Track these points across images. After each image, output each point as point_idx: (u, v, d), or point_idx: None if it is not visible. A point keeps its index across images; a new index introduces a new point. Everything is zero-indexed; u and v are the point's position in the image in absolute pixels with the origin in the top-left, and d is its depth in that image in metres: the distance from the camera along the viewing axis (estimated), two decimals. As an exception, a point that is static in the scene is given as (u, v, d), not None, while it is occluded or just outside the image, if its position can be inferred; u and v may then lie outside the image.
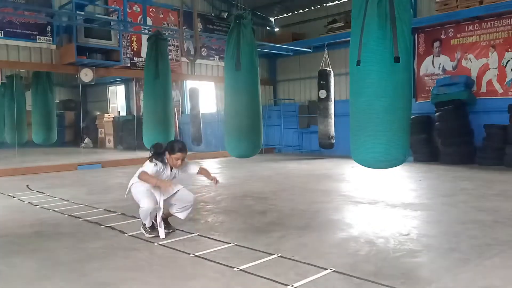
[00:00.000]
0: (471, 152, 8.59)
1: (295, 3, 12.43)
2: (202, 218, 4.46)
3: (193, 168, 3.93)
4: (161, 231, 3.65)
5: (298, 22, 13.00)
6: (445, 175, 7.22)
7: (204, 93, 13.02)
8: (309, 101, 12.40)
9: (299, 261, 2.99)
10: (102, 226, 4.13)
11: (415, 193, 5.65)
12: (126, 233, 3.84)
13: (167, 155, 3.68)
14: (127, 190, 3.81)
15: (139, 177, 3.56)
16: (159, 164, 3.67)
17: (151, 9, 10.62)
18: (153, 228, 3.69)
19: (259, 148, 5.64)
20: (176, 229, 3.86)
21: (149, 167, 3.64)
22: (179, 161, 3.68)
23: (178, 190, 3.75)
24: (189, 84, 13.11)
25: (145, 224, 3.69)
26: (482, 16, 8.77)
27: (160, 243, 3.51)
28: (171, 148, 3.67)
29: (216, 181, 3.88)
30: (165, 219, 3.83)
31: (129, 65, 10.35)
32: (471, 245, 3.32)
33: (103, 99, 16.44)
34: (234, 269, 2.86)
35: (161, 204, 3.68)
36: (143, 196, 3.62)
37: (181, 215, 3.81)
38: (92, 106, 16.56)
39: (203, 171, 3.97)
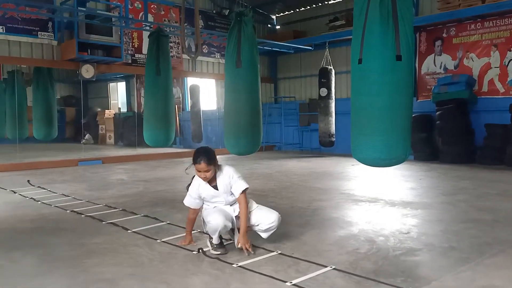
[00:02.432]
0: (471, 151, 8.58)
1: (296, 0, 12.41)
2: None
3: (236, 190, 3.14)
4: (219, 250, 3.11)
5: (300, 19, 12.98)
6: (445, 174, 7.22)
7: (205, 90, 13.02)
8: (309, 99, 12.40)
9: (299, 259, 2.99)
10: (102, 222, 4.13)
11: (416, 192, 5.65)
12: (126, 229, 3.84)
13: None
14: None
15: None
16: (198, 182, 3.18)
17: (152, 6, 10.60)
18: (221, 245, 3.16)
19: (259, 145, 5.64)
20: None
21: (190, 189, 3.22)
22: (202, 175, 3.07)
23: (254, 209, 3.23)
24: (190, 81, 13.11)
25: (212, 239, 3.15)
26: (484, 15, 8.75)
27: (161, 240, 3.51)
28: (193, 156, 3.08)
29: (248, 250, 3.04)
30: None
31: (130, 61, 10.34)
32: (471, 244, 3.32)
33: (104, 95, 16.45)
34: (234, 265, 2.87)
35: (234, 219, 3.21)
36: (212, 212, 3.12)
37: (264, 235, 3.26)
38: (93, 102, 16.58)
39: (240, 205, 3.13)
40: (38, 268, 2.93)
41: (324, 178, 7.03)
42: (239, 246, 3.07)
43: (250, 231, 3.25)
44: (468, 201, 4.99)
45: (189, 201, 3.28)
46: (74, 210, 4.69)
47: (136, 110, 14.29)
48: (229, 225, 3.13)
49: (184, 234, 3.43)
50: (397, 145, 3.52)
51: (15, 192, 5.88)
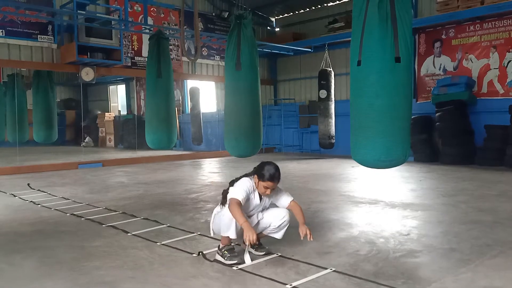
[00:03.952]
0: (471, 152, 8.58)
1: (295, 3, 12.43)
2: (203, 217, 4.47)
3: (285, 201, 3.20)
4: (247, 257, 2.98)
5: (299, 22, 13.00)
6: (445, 175, 7.22)
7: (205, 92, 13.03)
8: (309, 101, 12.41)
9: (299, 261, 2.99)
10: (102, 225, 4.13)
11: (416, 193, 5.65)
12: (126, 232, 3.84)
13: (255, 178, 3.08)
14: (211, 225, 3.20)
15: (229, 206, 2.93)
16: (252, 186, 3.09)
17: (152, 9, 10.63)
18: (233, 252, 3.03)
19: (259, 147, 5.65)
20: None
21: (244, 186, 3.04)
22: (268, 191, 3.04)
23: (267, 209, 3.21)
24: (190, 83, 13.13)
25: (223, 247, 3.04)
26: (483, 16, 8.77)
27: (161, 242, 3.51)
28: (260, 172, 3.03)
29: (310, 236, 3.01)
30: (259, 243, 3.25)
31: (130, 64, 10.36)
32: (471, 245, 3.32)
33: (104, 98, 16.46)
34: (234, 268, 2.86)
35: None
36: (231, 222, 2.97)
37: (278, 235, 3.20)
38: (93, 105, 16.58)
39: (295, 208, 3.19)
40: (38, 271, 2.93)
41: (324, 180, 7.03)
42: (302, 235, 3.03)
43: (263, 237, 3.22)
44: (468, 202, 4.99)
45: (243, 195, 3.00)
46: (74, 213, 4.68)
47: (136, 113, 14.29)
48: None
49: (185, 235, 3.41)
50: (397, 147, 3.52)
51: (15, 196, 5.88)
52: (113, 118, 15.08)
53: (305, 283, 2.59)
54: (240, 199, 2.95)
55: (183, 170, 9.08)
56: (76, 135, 14.86)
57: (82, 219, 4.43)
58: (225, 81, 5.69)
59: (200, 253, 3.15)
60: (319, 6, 12.35)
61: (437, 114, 8.94)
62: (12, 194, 6.00)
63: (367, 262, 2.97)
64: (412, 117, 3.91)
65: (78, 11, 8.88)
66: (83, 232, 3.93)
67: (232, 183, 3.12)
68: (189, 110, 12.69)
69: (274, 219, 3.14)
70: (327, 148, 10.24)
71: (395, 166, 3.70)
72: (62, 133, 13.19)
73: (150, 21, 10.43)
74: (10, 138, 10.60)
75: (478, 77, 9.09)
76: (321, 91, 9.96)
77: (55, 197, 5.71)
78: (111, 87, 16.17)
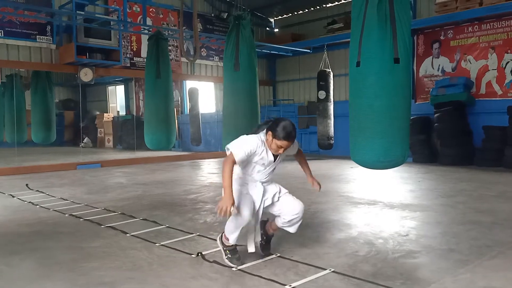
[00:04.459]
0: (470, 153, 8.60)
1: (294, 3, 12.44)
2: (201, 218, 4.46)
3: (293, 149, 3.03)
4: (251, 246, 2.86)
5: (298, 22, 13.02)
6: (444, 176, 7.23)
7: (204, 93, 13.03)
8: (308, 101, 12.41)
9: (298, 261, 2.99)
10: (101, 226, 4.12)
11: (414, 194, 5.66)
12: (125, 233, 3.83)
13: (268, 135, 2.83)
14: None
15: (224, 161, 2.74)
16: (262, 142, 2.85)
17: (151, 9, 10.62)
18: (235, 253, 2.91)
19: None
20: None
21: (249, 144, 2.80)
22: (281, 150, 2.84)
23: (280, 197, 3.00)
24: (189, 84, 13.12)
25: (227, 242, 2.89)
26: (482, 17, 8.79)
27: (160, 243, 3.51)
28: (275, 129, 2.78)
29: (318, 186, 3.05)
30: (268, 240, 3.11)
31: (128, 65, 10.36)
32: (470, 246, 3.32)
33: (102, 98, 16.43)
34: (233, 269, 2.86)
35: (260, 214, 2.94)
36: (243, 199, 2.81)
37: (291, 229, 3.03)
38: (91, 105, 16.55)
39: (300, 157, 3.11)
40: (36, 272, 2.92)
41: (323, 181, 6.97)
42: (313, 186, 3.01)
43: (276, 232, 3.10)
44: (467, 203, 5.00)
45: (242, 156, 2.77)
46: (73, 214, 4.68)
47: (134, 114, 14.27)
48: (252, 222, 2.91)
49: (183, 236, 3.41)
50: (396, 147, 3.53)
51: (13, 196, 5.86)
52: (111, 119, 15.07)
53: (304, 284, 2.59)
54: (238, 159, 2.74)
55: (182, 170, 9.07)
56: (75, 136, 14.84)
57: (81, 219, 4.42)
58: (223, 81, 5.69)
59: (199, 254, 3.15)
60: (318, 7, 12.36)
61: (435, 115, 8.96)
62: (11, 194, 5.99)
63: (366, 262, 2.97)
64: (411, 118, 3.91)
65: (77, 12, 8.89)
66: (82, 233, 3.93)
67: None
68: (188, 111, 12.68)
69: (287, 210, 2.95)
70: (326, 149, 10.22)
71: (394, 167, 3.71)
72: (61, 133, 13.18)
73: (149, 21, 10.44)
74: (8, 139, 10.59)
75: (476, 78, 9.11)
76: (320, 92, 9.95)
77: (54, 198, 5.70)
78: (110, 88, 16.15)
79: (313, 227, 3.98)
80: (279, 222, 3.03)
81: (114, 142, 14.85)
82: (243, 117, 5.41)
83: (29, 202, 5.43)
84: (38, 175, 8.29)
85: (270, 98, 13.47)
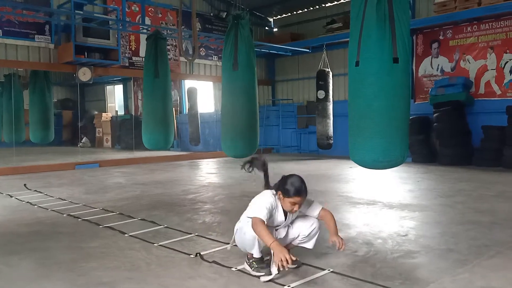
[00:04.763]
0: (469, 153, 8.60)
1: (294, 3, 12.45)
2: (200, 218, 4.46)
3: (313, 210, 2.90)
4: (274, 268, 2.65)
5: (297, 22, 13.02)
6: (443, 176, 7.23)
7: (203, 92, 13.02)
8: (307, 101, 12.41)
9: (296, 261, 2.98)
10: (99, 226, 4.12)
11: (413, 194, 5.66)
12: (124, 233, 3.82)
13: (278, 194, 2.78)
14: (232, 238, 2.95)
15: (253, 226, 2.65)
16: (275, 202, 2.79)
17: (149, 9, 10.61)
18: (262, 262, 2.79)
19: (256, 148, 5.64)
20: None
21: (266, 202, 2.74)
22: (296, 207, 2.74)
23: (293, 220, 2.94)
24: (188, 83, 13.11)
25: (252, 256, 2.79)
26: (481, 17, 8.79)
27: (159, 243, 3.50)
28: (284, 187, 2.73)
29: (342, 245, 2.79)
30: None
31: (127, 64, 10.34)
32: (469, 245, 3.32)
33: (101, 98, 16.41)
34: (232, 269, 2.86)
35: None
36: (254, 241, 2.73)
37: (309, 244, 2.96)
38: (90, 105, 16.53)
39: (326, 217, 2.90)
40: (35, 272, 2.91)
41: (322, 181, 7.02)
42: (335, 245, 2.80)
43: (292, 248, 2.97)
44: (466, 203, 5.00)
45: (265, 213, 2.70)
46: (71, 214, 4.67)
47: (133, 113, 14.26)
48: None
49: (182, 236, 3.39)
50: (395, 147, 3.53)
51: (11, 196, 5.85)
52: (110, 119, 15.04)
53: (303, 284, 2.59)
54: (264, 217, 2.65)
55: (181, 170, 9.06)
56: (73, 136, 14.81)
57: (79, 220, 4.41)
58: (222, 81, 5.68)
59: (198, 254, 3.14)
60: (317, 7, 12.36)
61: (434, 115, 8.96)
62: (9, 194, 5.98)
63: (365, 263, 2.97)
64: (410, 117, 3.91)
65: (76, 11, 8.86)
66: (80, 233, 3.92)
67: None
68: (187, 111, 12.67)
69: (303, 228, 2.90)
70: (325, 149, 10.24)
71: (393, 167, 3.70)
72: (59, 133, 13.15)
73: (147, 21, 10.43)
74: (6, 138, 10.56)
75: (475, 78, 9.12)
76: (319, 91, 9.97)
77: (52, 198, 5.69)
78: (109, 87, 16.13)
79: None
80: (296, 241, 2.96)
81: (113, 142, 14.83)
82: (241, 116, 5.41)
83: (27, 202, 5.42)
84: (36, 175, 8.27)
85: (269, 98, 13.46)
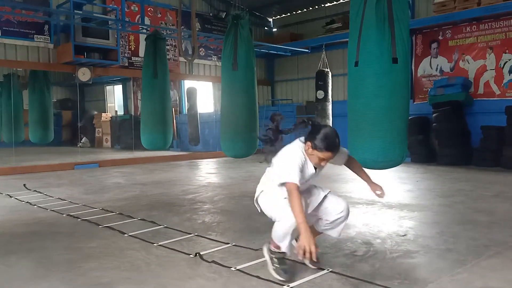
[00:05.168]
0: (468, 153, 8.61)
1: (293, 3, 12.46)
2: (200, 218, 4.46)
3: (340, 159, 2.69)
4: (307, 262, 2.49)
5: (296, 22, 13.02)
6: (442, 176, 7.24)
7: (202, 93, 13.02)
8: (306, 101, 12.42)
9: (296, 261, 2.98)
10: (99, 226, 4.11)
11: (412, 194, 5.66)
12: (123, 233, 3.82)
13: (306, 145, 2.53)
14: (255, 198, 2.71)
15: (289, 195, 2.42)
16: (303, 154, 2.52)
17: (149, 9, 10.61)
18: (284, 264, 2.61)
19: (255, 148, 5.65)
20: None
21: (297, 160, 2.49)
22: (324, 162, 2.54)
23: (326, 196, 2.72)
24: (187, 84, 13.10)
25: (277, 247, 2.56)
26: (480, 17, 8.80)
27: (158, 243, 3.50)
28: (315, 139, 2.47)
29: (382, 192, 2.71)
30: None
31: (126, 64, 10.34)
32: (468, 246, 3.33)
33: (100, 98, 16.41)
34: (232, 269, 2.86)
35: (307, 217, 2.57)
36: (284, 207, 2.47)
37: (334, 232, 2.75)
38: (89, 105, 16.52)
39: (353, 164, 2.73)
40: (34, 272, 2.91)
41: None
42: (378, 194, 2.71)
43: (317, 236, 2.78)
44: (464, 203, 5.00)
45: (298, 176, 2.43)
46: (71, 214, 4.66)
47: (132, 113, 14.25)
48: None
49: (182, 236, 3.40)
50: (394, 147, 3.53)
51: (11, 196, 5.84)
52: (109, 119, 15.04)
53: (302, 284, 2.59)
54: (298, 181, 2.39)
55: (180, 170, 9.06)
56: (73, 136, 14.81)
57: (79, 220, 4.41)
58: (221, 81, 5.69)
59: (197, 254, 3.15)
60: (316, 7, 12.37)
61: (434, 115, 8.96)
62: (8, 194, 5.97)
63: (364, 262, 2.97)
64: (409, 118, 3.92)
65: (75, 11, 8.86)
66: (80, 233, 3.92)
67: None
68: (186, 111, 12.67)
69: (330, 211, 2.66)
70: (324, 149, 10.23)
71: (392, 167, 3.71)
72: (59, 133, 13.13)
73: (147, 21, 10.43)
74: (6, 138, 10.56)
75: (474, 78, 9.13)
76: (319, 91, 9.97)
77: (51, 198, 5.69)
78: (108, 87, 16.12)
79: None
80: (321, 226, 2.75)
81: (112, 142, 14.82)
82: (241, 117, 5.41)
83: (27, 202, 5.41)
84: (36, 175, 8.26)
85: (269, 98, 13.46)
